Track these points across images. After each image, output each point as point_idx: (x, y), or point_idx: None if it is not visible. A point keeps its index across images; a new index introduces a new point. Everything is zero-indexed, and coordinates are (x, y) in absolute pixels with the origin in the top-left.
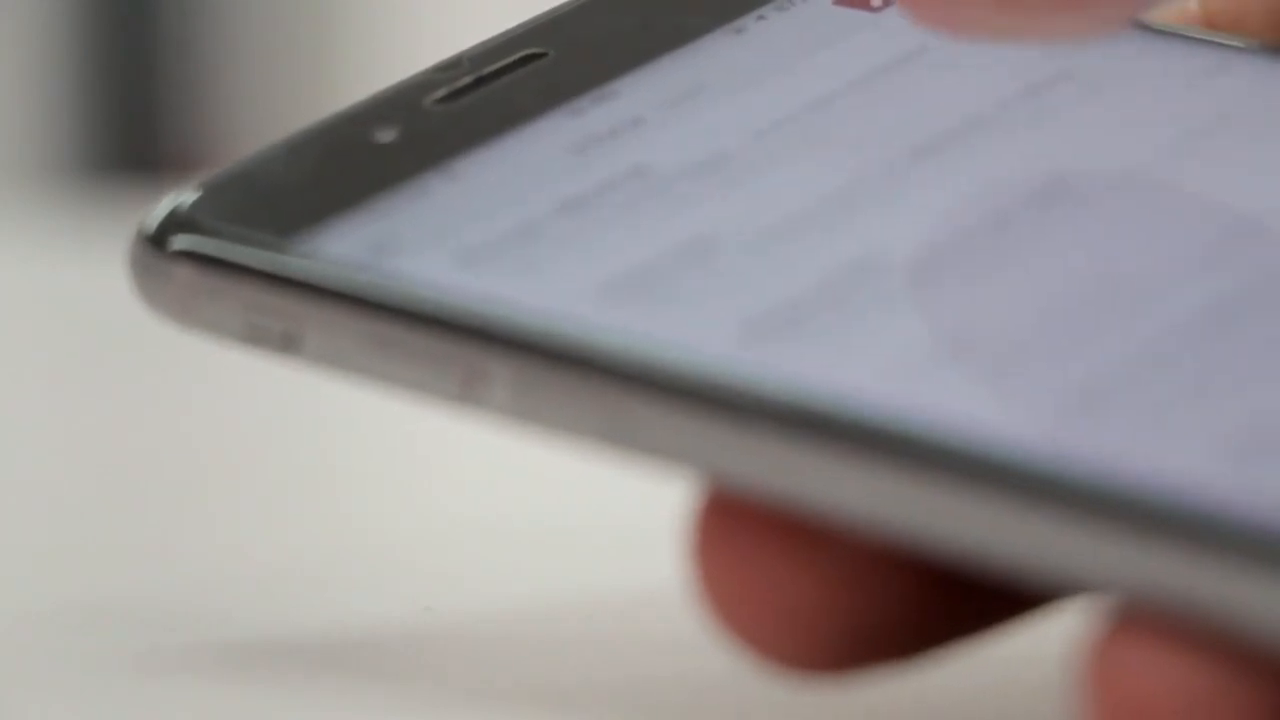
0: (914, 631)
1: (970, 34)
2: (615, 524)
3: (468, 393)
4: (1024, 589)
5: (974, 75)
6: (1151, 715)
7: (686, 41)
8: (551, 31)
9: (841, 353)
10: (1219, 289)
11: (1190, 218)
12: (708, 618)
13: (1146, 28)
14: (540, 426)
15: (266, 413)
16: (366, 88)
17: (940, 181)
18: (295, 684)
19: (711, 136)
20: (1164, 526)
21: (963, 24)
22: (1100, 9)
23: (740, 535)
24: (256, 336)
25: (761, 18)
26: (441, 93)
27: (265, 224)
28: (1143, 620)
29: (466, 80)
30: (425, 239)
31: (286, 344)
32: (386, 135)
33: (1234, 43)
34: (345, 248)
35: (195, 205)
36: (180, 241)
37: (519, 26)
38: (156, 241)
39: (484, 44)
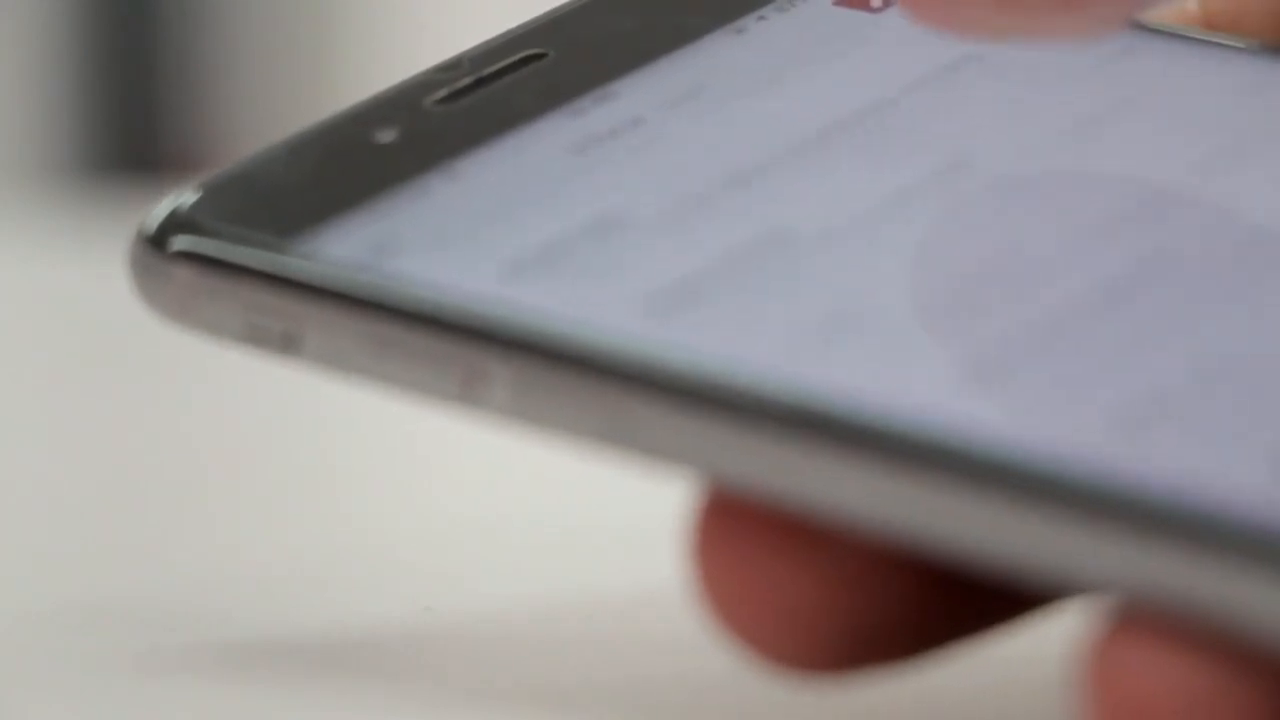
0: (914, 632)
1: (970, 34)
2: (615, 524)
3: (467, 393)
4: (1024, 589)
5: (1035, 88)
6: (1151, 715)
7: (687, 42)
8: (552, 32)
9: (843, 354)
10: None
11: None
12: (707, 618)
13: (1146, 28)
14: (540, 427)
15: (266, 413)
16: (366, 88)
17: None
18: (295, 684)
19: (715, 137)
20: (1164, 526)
21: (963, 24)
22: (1099, 9)
23: (740, 535)
24: (256, 337)
25: (762, 18)
26: (442, 93)
27: (265, 224)
28: (1143, 620)
29: (467, 81)
30: (425, 239)
31: (286, 344)
32: (387, 136)
33: (1233, 43)
34: (345, 248)
35: (195, 206)
36: (180, 242)
37: (519, 27)
38: (156, 242)
39: (484, 45)
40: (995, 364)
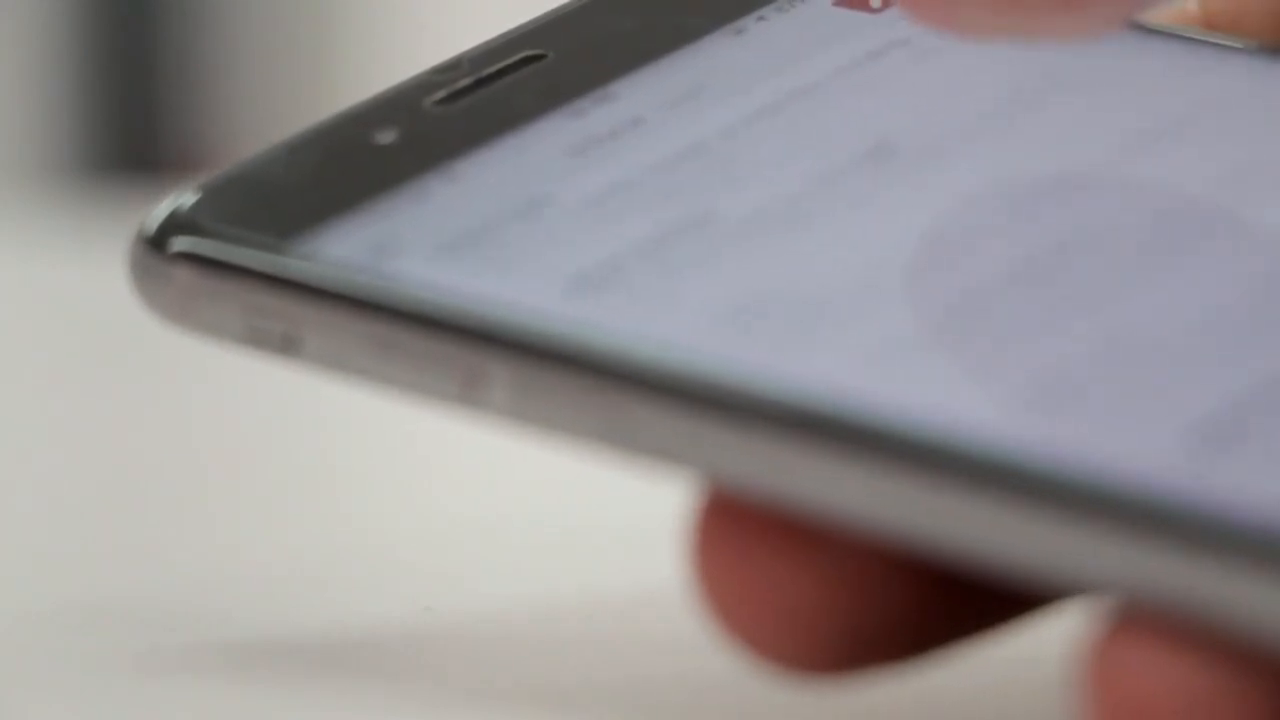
0: (914, 632)
1: (970, 34)
2: (615, 524)
3: (467, 394)
4: (1023, 590)
5: (963, 75)
6: (1151, 715)
7: (686, 42)
8: (551, 33)
9: (842, 353)
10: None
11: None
12: (707, 618)
13: (1145, 28)
14: (540, 428)
15: (266, 413)
16: (366, 88)
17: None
18: (295, 684)
19: (711, 134)
20: (1164, 527)
21: (962, 24)
22: (1099, 9)
23: (740, 536)
24: (256, 338)
25: (761, 19)
26: (441, 94)
27: (265, 226)
28: (1143, 620)
29: (466, 82)
30: (425, 240)
31: (286, 346)
32: (386, 137)
33: (1233, 43)
34: (345, 249)
35: (195, 207)
36: (180, 243)
37: (518, 28)
38: (156, 243)
39: (483, 45)
40: (1063, 379)
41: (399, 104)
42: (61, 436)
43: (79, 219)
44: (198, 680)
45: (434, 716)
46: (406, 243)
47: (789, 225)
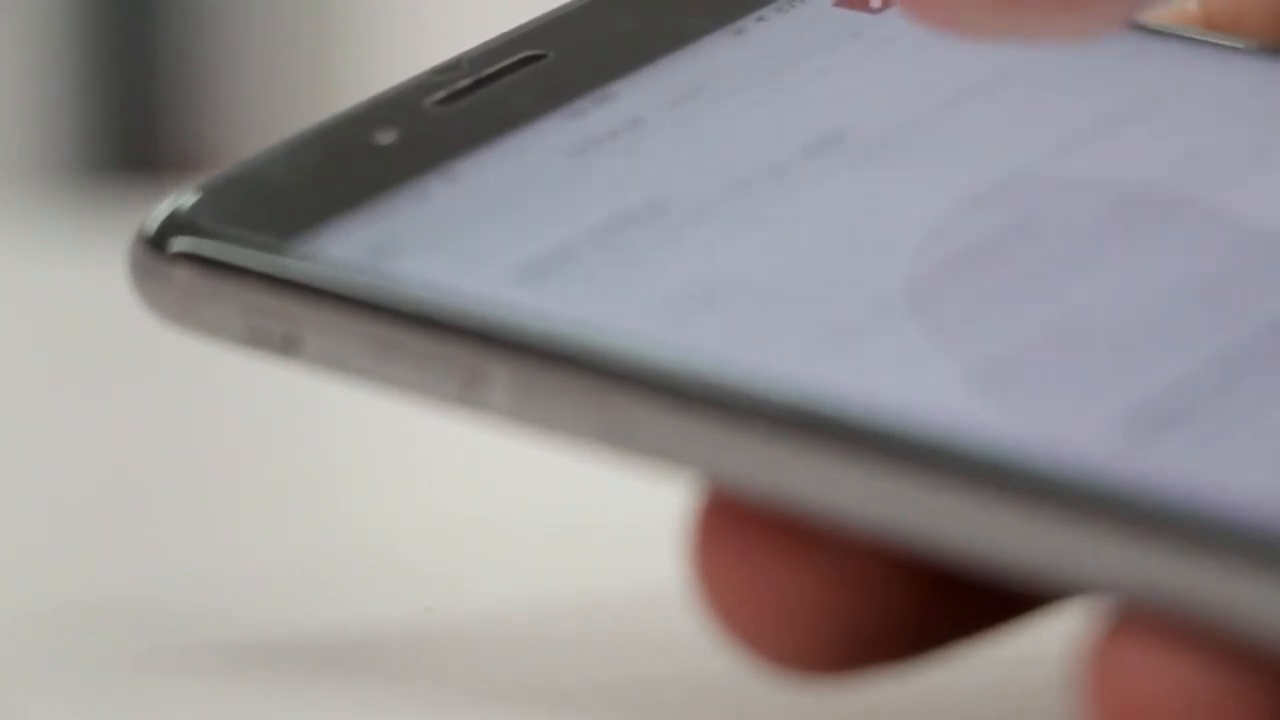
0: (914, 632)
1: (969, 34)
2: (615, 524)
3: (467, 394)
4: (1023, 590)
5: (936, 66)
6: (1151, 715)
7: (686, 43)
8: (551, 33)
9: (841, 355)
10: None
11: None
12: (707, 618)
13: (1145, 28)
14: (540, 428)
15: (266, 413)
16: (366, 88)
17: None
18: (295, 684)
19: (713, 139)
20: (1163, 527)
21: (962, 24)
22: (1098, 9)
23: (740, 536)
24: (256, 339)
25: (761, 19)
26: (441, 94)
27: (265, 226)
28: (1143, 620)
29: (466, 82)
30: (425, 241)
31: (286, 346)
32: (386, 137)
33: (1232, 43)
34: (345, 250)
35: (195, 207)
36: (180, 244)
37: (518, 28)
38: (156, 243)
39: (483, 45)
40: (1013, 364)
41: (399, 104)
42: (61, 436)
43: (79, 219)
44: (198, 680)
45: (434, 716)
46: (406, 243)
47: (751, 217)
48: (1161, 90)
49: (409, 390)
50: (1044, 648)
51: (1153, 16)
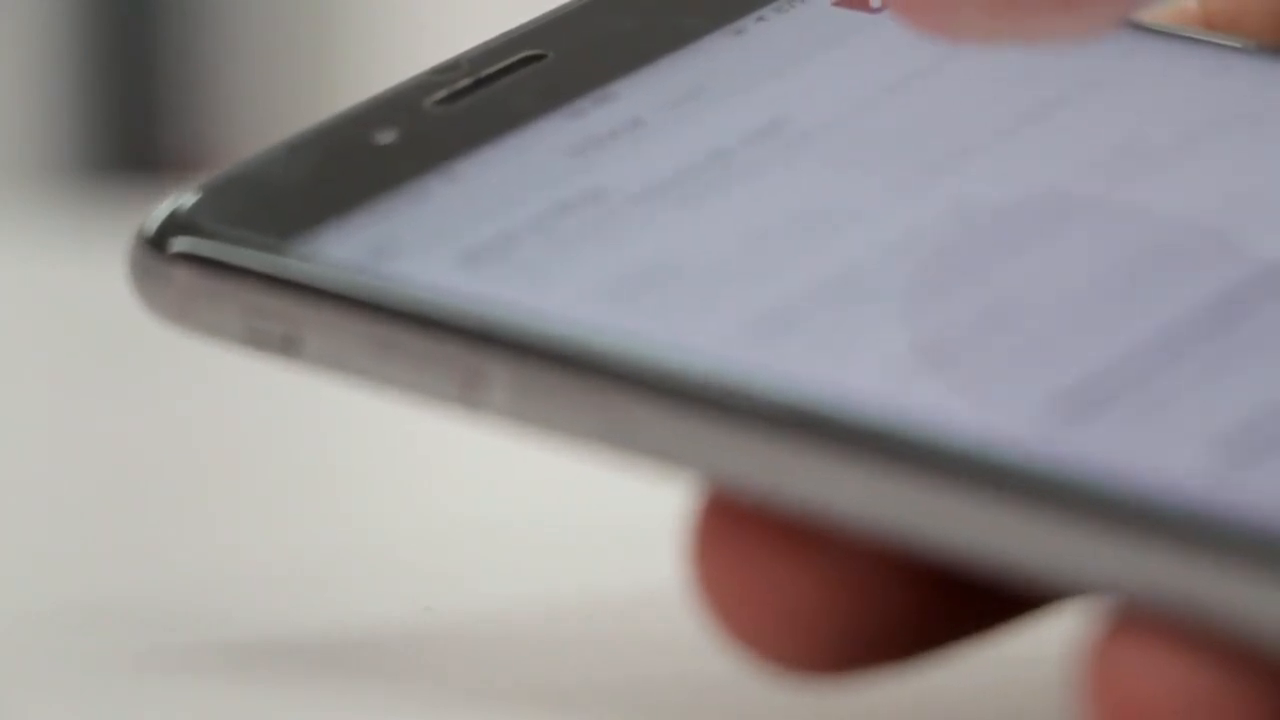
0: (914, 633)
1: (964, 38)
2: (615, 524)
3: (467, 395)
4: (1023, 590)
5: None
6: (1152, 715)
7: (686, 43)
8: (550, 33)
9: (839, 353)
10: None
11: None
12: (707, 619)
13: (1143, 28)
14: (540, 429)
15: (266, 413)
16: (366, 88)
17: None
18: (295, 684)
19: (709, 138)
20: (1163, 527)
21: (956, 28)
22: (1095, 9)
23: (740, 537)
24: (256, 339)
25: (761, 19)
26: (441, 94)
27: (265, 226)
28: (1142, 620)
29: (466, 82)
30: (425, 241)
31: (286, 347)
32: (386, 137)
33: (1232, 43)
34: (345, 250)
35: (195, 207)
36: (180, 244)
37: (518, 28)
38: (156, 244)
39: (483, 45)
40: (945, 348)
41: (399, 104)
42: (61, 436)
43: (79, 219)
44: (198, 680)
45: (434, 716)
46: (406, 243)
47: (686, 202)
48: (1131, 79)
49: (409, 391)
50: (1044, 648)
51: (1151, 16)
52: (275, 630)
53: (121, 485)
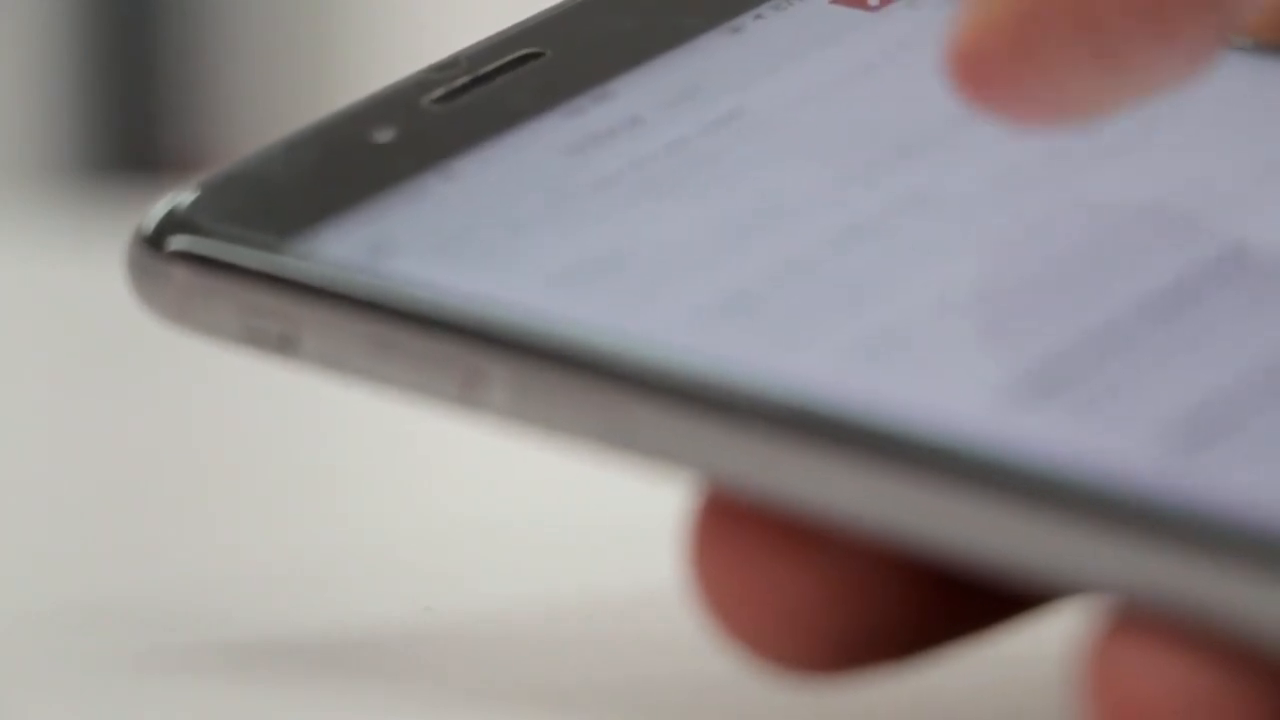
0: (913, 631)
1: (1079, 116)
2: (615, 524)
3: (466, 394)
4: (1021, 589)
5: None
6: (1152, 715)
7: (684, 41)
8: (548, 31)
9: (839, 355)
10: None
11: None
12: (706, 619)
13: None
14: (539, 428)
15: (266, 413)
16: (366, 88)
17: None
18: (295, 684)
19: (709, 134)
20: (1163, 527)
21: (1066, 109)
22: (1193, 31)
23: (739, 536)
24: (254, 338)
25: (759, 17)
26: (439, 92)
27: (263, 225)
28: (1142, 620)
29: (464, 80)
30: (423, 240)
31: (284, 346)
32: (384, 135)
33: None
34: (343, 249)
35: (193, 206)
36: (177, 242)
37: (516, 25)
38: (154, 242)
39: (481, 43)
40: (901, 336)
41: (397, 102)
42: (61, 436)
43: (79, 219)
44: (198, 680)
45: (434, 716)
46: (404, 242)
47: (675, 193)
48: None
49: (408, 390)
50: (1044, 648)
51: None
52: (275, 630)
53: (121, 485)
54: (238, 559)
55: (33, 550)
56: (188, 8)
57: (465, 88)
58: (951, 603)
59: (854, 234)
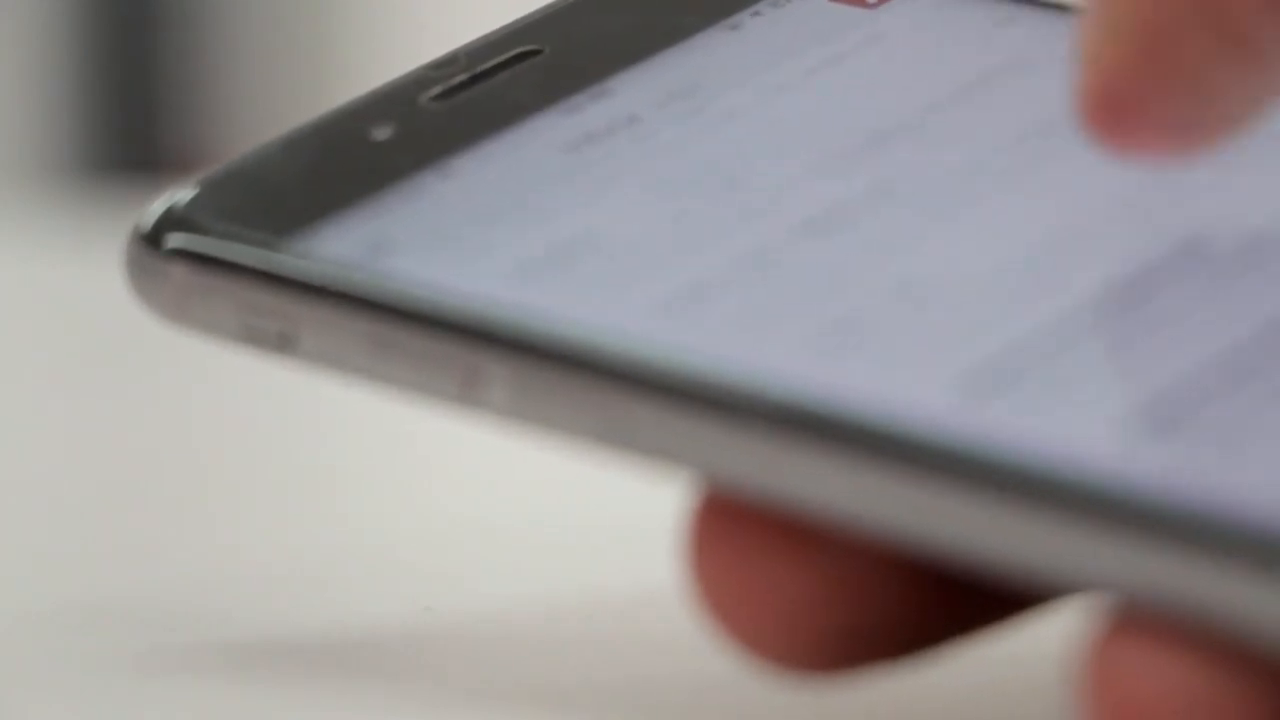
0: (912, 630)
1: (1206, 138)
2: (615, 524)
3: (466, 393)
4: (1020, 588)
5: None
6: (1152, 715)
7: (682, 39)
8: (546, 28)
9: (840, 354)
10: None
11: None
12: (705, 619)
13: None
14: (538, 427)
15: (266, 413)
16: (366, 87)
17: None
18: (295, 684)
19: (709, 134)
20: (1163, 527)
21: (1188, 131)
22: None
23: (737, 535)
24: (252, 336)
25: (757, 14)
26: (437, 90)
27: (261, 223)
28: (1142, 620)
29: (462, 77)
30: (421, 238)
31: (282, 344)
32: (382, 133)
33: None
34: (341, 247)
35: (191, 203)
36: (175, 240)
37: (514, 23)
38: (151, 240)
39: (479, 40)
40: (858, 326)
41: (395, 100)
42: (61, 436)
43: (79, 219)
44: (198, 680)
45: (434, 716)
46: (403, 240)
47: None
48: (1009, 49)
49: (407, 389)
50: (1044, 647)
51: None
52: (275, 630)
53: (121, 485)
54: (238, 559)
55: (33, 550)
56: (188, 8)
57: (463, 85)
58: (950, 601)
59: (851, 228)
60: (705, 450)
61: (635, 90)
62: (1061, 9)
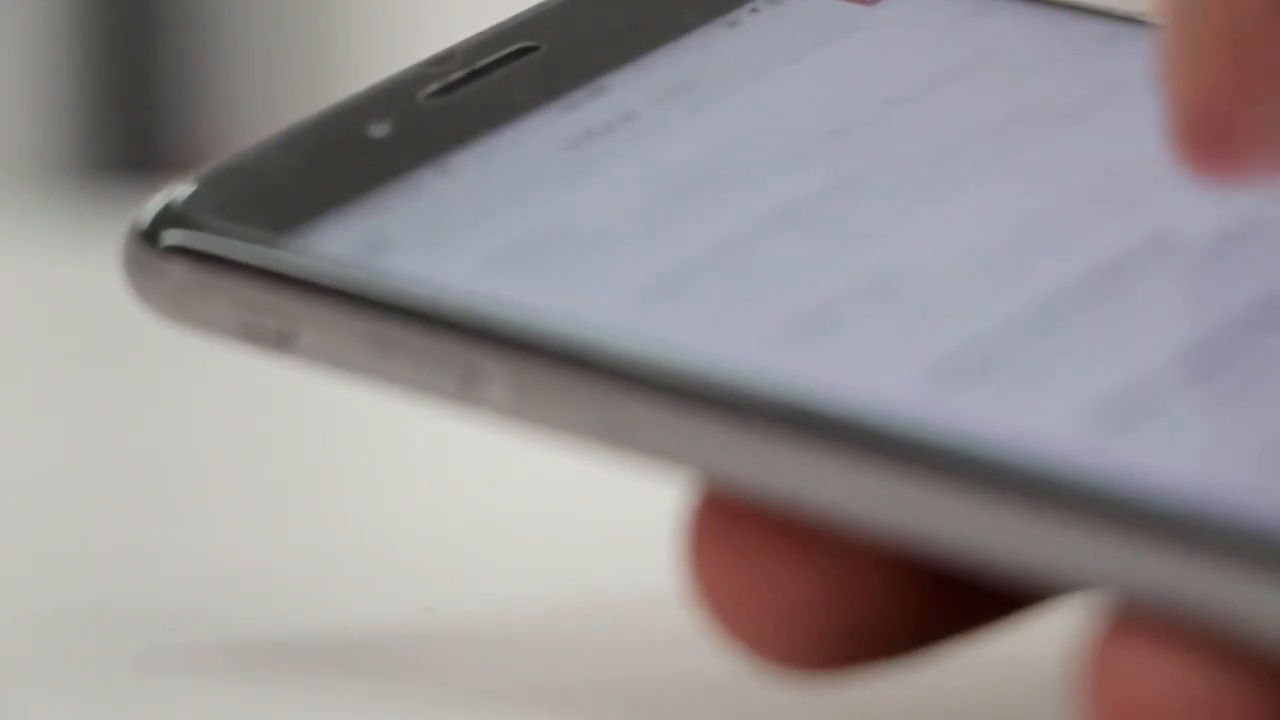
0: (912, 629)
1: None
2: (615, 524)
3: (465, 392)
4: (1022, 588)
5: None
6: (1151, 715)
7: (680, 35)
8: (543, 24)
9: (839, 354)
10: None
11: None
12: (704, 618)
13: (1137, 21)
14: (538, 426)
15: (266, 413)
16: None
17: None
18: (295, 684)
19: (708, 130)
20: (1162, 527)
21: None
22: None
23: (736, 535)
24: (250, 334)
25: (755, 10)
26: (434, 86)
27: (259, 220)
28: (1142, 620)
29: (459, 74)
30: (420, 235)
31: (280, 342)
32: (380, 130)
33: (1131, 14)
34: (340, 244)
35: (189, 200)
36: (172, 237)
37: (511, 19)
38: (149, 237)
39: (476, 37)
40: (825, 316)
41: (392, 97)
42: (61, 436)
43: (79, 219)
44: (198, 680)
45: (434, 716)
46: (401, 238)
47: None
48: (1002, 45)
49: (406, 387)
50: (1044, 647)
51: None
52: (275, 630)
53: (121, 485)
54: (238, 559)
55: (33, 550)
56: (188, 8)
57: (461, 82)
58: (950, 601)
59: (852, 227)
60: (705, 449)
61: (634, 87)
62: (1062, 8)
